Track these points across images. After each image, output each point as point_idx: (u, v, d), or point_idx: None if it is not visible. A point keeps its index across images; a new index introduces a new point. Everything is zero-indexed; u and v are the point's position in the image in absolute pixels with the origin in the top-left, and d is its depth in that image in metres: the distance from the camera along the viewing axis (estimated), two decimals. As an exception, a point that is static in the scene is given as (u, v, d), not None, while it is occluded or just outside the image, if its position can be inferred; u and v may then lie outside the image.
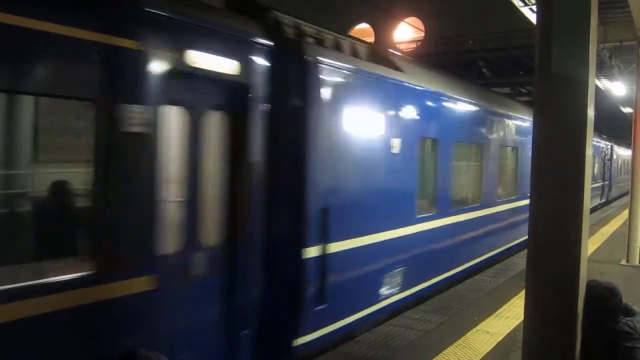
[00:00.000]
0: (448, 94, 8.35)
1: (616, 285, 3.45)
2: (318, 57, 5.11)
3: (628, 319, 3.32)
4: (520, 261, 10.96)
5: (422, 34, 36.47)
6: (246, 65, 4.50)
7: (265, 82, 4.69)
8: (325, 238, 5.14)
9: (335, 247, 5.31)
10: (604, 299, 3.34)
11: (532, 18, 10.87)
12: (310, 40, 5.52)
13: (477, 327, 6.57)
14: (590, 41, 3.16)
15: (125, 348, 2.50)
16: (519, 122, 11.54)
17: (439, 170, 7.91)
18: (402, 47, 34.92)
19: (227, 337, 4.48)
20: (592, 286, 3.40)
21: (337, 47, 6.01)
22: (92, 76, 3.40)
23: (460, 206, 8.79)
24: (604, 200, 26.03)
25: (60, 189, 3.62)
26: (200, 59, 4.01)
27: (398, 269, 6.64)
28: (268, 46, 4.74)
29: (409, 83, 6.96)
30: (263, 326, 4.73)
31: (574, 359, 3.21)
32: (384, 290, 6.42)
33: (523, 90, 30.20)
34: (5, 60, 2.97)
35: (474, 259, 9.46)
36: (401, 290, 6.82)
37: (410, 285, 7.03)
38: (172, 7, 3.91)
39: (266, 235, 4.76)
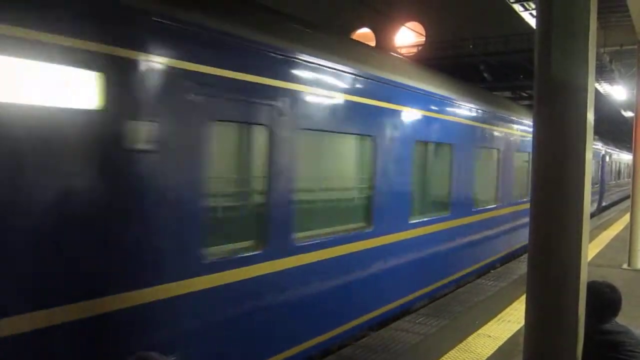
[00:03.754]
0: None
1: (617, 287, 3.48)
2: None
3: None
4: (521, 265, 10.96)
5: (423, 39, 36.55)
6: None
7: None
8: None
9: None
10: (602, 292, 3.38)
11: (532, 22, 10.90)
12: None
13: (479, 331, 6.56)
14: (590, 44, 3.16)
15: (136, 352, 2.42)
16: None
17: None
18: (404, 51, 35.00)
19: None
20: (592, 282, 3.44)
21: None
22: None
23: None
24: None
25: None
26: None
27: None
28: None
29: None
30: None
31: (575, 364, 3.20)
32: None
33: (524, 94, 30.24)
34: None
35: None
36: None
37: None
38: None
39: None
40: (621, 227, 16.36)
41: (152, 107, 3.79)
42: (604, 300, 3.39)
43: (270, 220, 4.84)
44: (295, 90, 5.08)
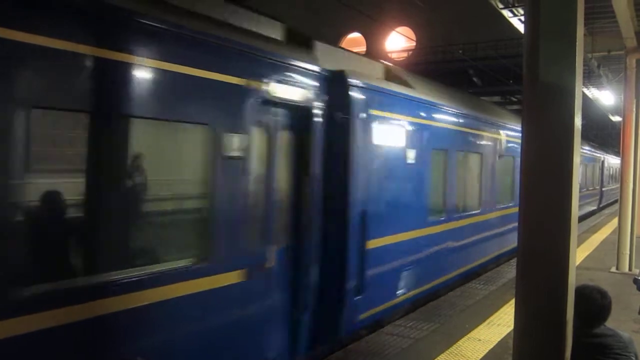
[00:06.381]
0: None
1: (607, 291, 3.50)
2: None
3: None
4: (511, 269, 11.00)
5: (414, 43, 36.74)
6: None
7: None
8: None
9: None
10: (593, 299, 3.40)
11: (521, 28, 10.97)
12: None
13: (469, 335, 6.58)
14: (577, 50, 3.19)
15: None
16: None
17: None
18: (394, 56, 35.15)
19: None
20: (583, 286, 3.46)
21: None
22: None
23: None
24: None
25: None
26: None
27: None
28: None
29: None
30: None
31: (564, 366, 3.22)
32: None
33: (513, 99, 30.46)
34: None
35: None
36: None
37: None
38: None
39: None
40: (610, 231, 16.49)
41: None
42: (595, 306, 3.40)
43: None
44: None
